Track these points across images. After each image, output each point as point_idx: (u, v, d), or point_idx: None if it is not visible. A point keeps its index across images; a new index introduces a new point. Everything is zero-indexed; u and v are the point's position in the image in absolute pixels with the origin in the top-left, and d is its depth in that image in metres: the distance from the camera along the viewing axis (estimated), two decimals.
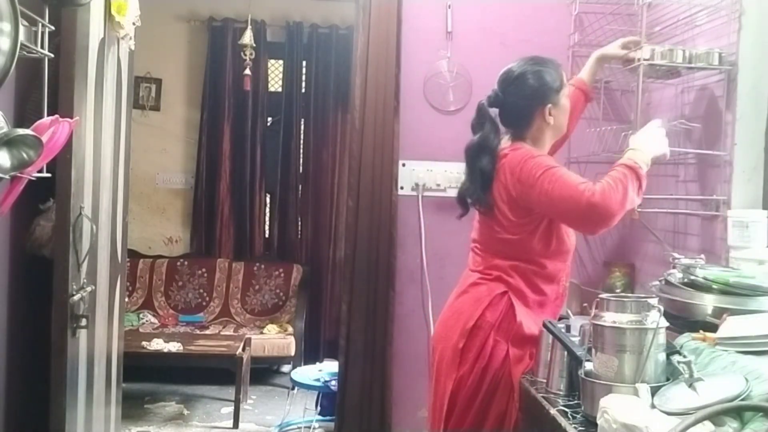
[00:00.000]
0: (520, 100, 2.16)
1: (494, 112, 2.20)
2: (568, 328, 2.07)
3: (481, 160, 2.15)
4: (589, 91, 2.59)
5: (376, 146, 3.13)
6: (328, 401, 3.89)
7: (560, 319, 2.13)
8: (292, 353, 5.05)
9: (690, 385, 1.49)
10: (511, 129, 2.21)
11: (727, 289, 1.86)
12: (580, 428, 1.62)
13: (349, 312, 3.16)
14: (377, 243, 3.14)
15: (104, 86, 2.48)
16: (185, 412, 4.56)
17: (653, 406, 1.49)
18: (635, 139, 2.16)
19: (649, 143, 2.13)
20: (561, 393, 1.87)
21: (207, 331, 5.18)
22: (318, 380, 3.95)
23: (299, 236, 5.76)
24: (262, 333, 5.14)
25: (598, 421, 1.48)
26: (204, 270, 5.57)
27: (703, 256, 2.20)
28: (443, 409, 2.16)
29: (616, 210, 1.98)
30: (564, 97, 2.20)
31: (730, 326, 1.70)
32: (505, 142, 2.20)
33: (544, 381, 1.96)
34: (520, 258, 2.15)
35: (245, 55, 5.11)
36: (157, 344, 4.55)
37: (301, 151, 5.76)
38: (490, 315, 2.13)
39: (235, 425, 4.31)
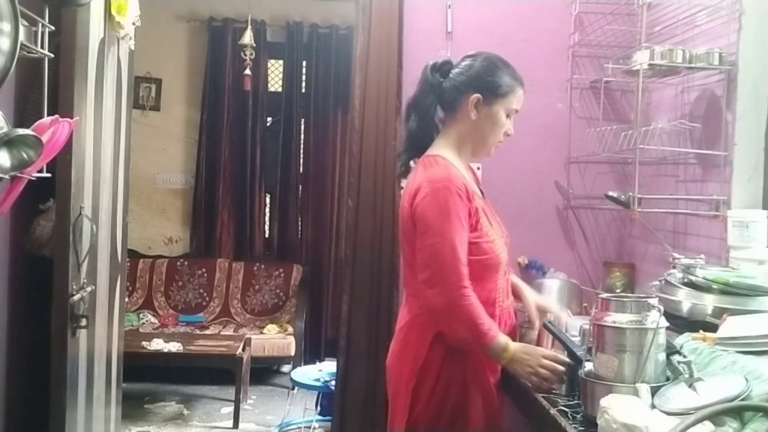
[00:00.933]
0: (458, 76, 2.00)
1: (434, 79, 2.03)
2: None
3: (411, 117, 2.03)
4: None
5: (378, 146, 3.12)
6: (328, 401, 3.89)
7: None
8: (292, 353, 5.05)
9: (690, 385, 1.49)
10: (442, 107, 2.03)
11: (727, 289, 1.86)
12: (580, 428, 1.62)
13: (350, 312, 3.15)
14: (380, 242, 3.13)
15: (104, 86, 2.48)
16: (185, 412, 4.56)
17: (653, 406, 1.49)
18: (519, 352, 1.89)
19: (526, 363, 1.88)
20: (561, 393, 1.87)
21: (207, 331, 5.18)
22: (318, 380, 3.95)
23: (299, 236, 5.76)
24: (262, 333, 5.14)
25: (598, 421, 1.48)
26: (204, 270, 5.57)
27: (702, 255, 2.20)
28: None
29: (456, 321, 1.84)
30: (501, 107, 1.98)
31: (730, 326, 1.70)
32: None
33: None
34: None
35: (245, 55, 5.12)
36: (157, 344, 4.55)
37: (301, 151, 5.77)
38: (439, 346, 1.93)
39: (235, 425, 4.31)
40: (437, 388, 1.93)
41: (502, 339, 1.87)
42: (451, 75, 2.01)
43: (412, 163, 2.08)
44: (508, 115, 2.01)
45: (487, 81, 1.97)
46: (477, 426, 1.95)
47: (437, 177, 1.89)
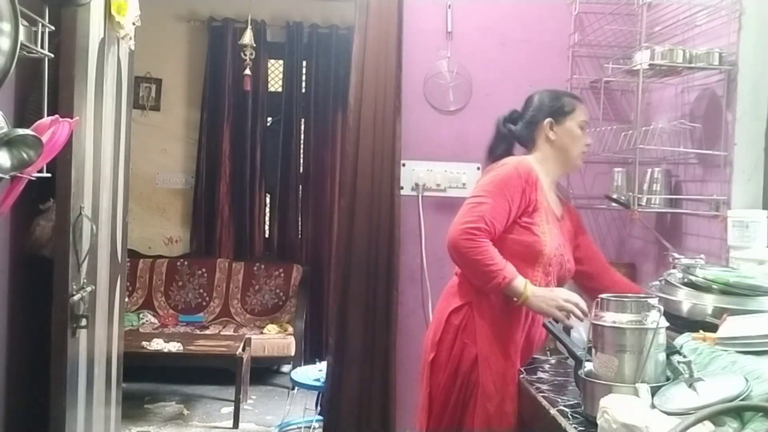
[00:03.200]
0: (526, 112, 2.35)
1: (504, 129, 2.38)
2: (568, 330, 2.08)
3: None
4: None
5: (377, 147, 3.12)
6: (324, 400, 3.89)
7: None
8: (292, 353, 5.05)
9: (690, 385, 1.49)
10: (523, 146, 2.36)
11: (727, 289, 1.86)
12: (580, 428, 1.62)
13: (342, 312, 3.15)
14: (377, 243, 3.13)
15: (104, 86, 2.48)
16: (185, 412, 4.56)
17: (653, 406, 1.49)
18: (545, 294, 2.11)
19: (544, 300, 2.08)
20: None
21: (207, 331, 5.19)
22: (318, 380, 3.94)
23: (299, 236, 5.76)
24: (262, 333, 5.14)
25: (598, 421, 1.48)
26: (204, 270, 5.57)
27: (702, 255, 2.20)
28: (425, 407, 2.22)
29: (470, 266, 2.11)
30: (572, 122, 2.29)
31: (730, 326, 1.70)
32: None
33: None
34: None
35: (245, 55, 5.12)
36: (157, 344, 4.55)
37: (301, 151, 5.77)
38: (455, 318, 2.17)
39: (235, 425, 4.31)
40: (450, 361, 2.15)
41: (520, 281, 2.06)
42: (520, 117, 2.36)
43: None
44: (581, 128, 2.31)
45: (551, 106, 2.31)
46: (486, 408, 2.08)
47: (513, 160, 2.24)
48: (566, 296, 2.09)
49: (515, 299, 2.08)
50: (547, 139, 2.29)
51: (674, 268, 2.09)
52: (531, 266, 2.16)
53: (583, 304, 2.07)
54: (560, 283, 2.24)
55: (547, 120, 2.29)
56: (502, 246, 2.11)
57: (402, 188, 3.18)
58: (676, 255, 2.19)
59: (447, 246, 2.11)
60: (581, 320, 2.05)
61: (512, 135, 2.35)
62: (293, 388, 4.43)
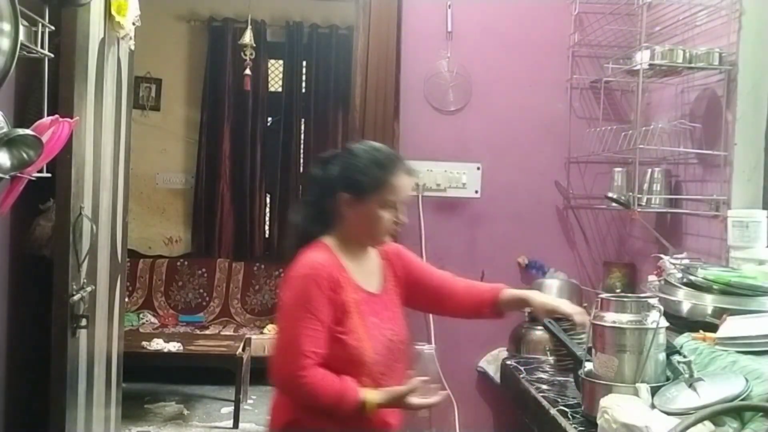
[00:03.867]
0: (329, 173, 1.86)
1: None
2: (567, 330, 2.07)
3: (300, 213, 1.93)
4: (498, 304, 1.95)
5: None
6: None
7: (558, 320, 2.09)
8: None
9: (690, 385, 1.49)
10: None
11: (727, 289, 1.86)
12: (580, 428, 1.62)
13: None
14: None
15: (104, 86, 2.48)
16: (185, 412, 4.56)
17: (653, 406, 1.49)
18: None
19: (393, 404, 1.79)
20: None
21: (207, 331, 5.18)
22: None
23: None
24: (262, 333, 5.14)
25: (598, 421, 1.48)
26: (204, 270, 5.57)
27: (685, 253, 2.19)
28: None
29: (303, 399, 1.76)
30: (373, 204, 1.80)
31: (730, 326, 1.70)
32: None
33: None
34: None
35: (245, 55, 5.11)
36: (157, 344, 4.54)
37: (301, 151, 5.77)
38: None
39: (235, 425, 4.31)
40: None
41: (361, 398, 1.72)
42: (326, 170, 1.87)
43: None
44: (390, 206, 1.82)
45: (352, 179, 1.81)
46: None
47: (304, 263, 1.80)
48: (411, 401, 1.77)
49: (367, 414, 1.74)
50: (343, 217, 1.84)
51: (660, 269, 2.10)
52: (356, 377, 1.76)
53: (426, 402, 1.79)
54: (396, 362, 1.86)
55: (344, 195, 1.81)
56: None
57: None
58: (661, 255, 2.20)
59: (278, 386, 1.81)
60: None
61: (322, 184, 1.88)
62: None
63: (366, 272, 1.88)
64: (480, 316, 2.02)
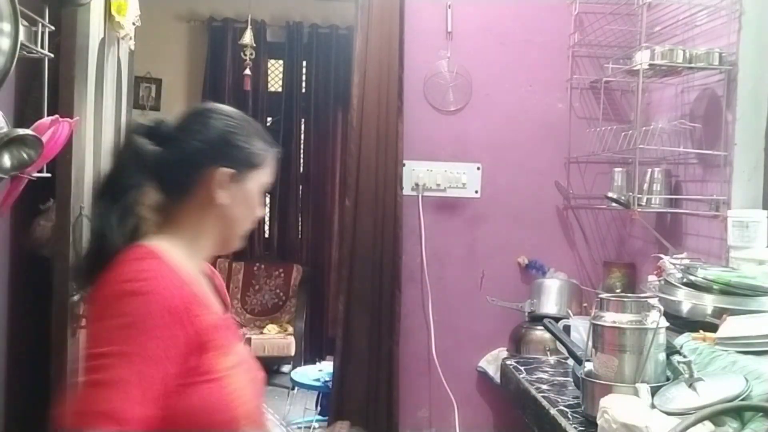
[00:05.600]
0: (188, 141, 1.27)
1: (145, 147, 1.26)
2: (567, 329, 2.08)
3: (100, 205, 1.26)
4: None
5: (380, 147, 3.12)
6: (328, 401, 3.89)
7: (558, 320, 2.12)
8: (292, 353, 5.05)
9: (690, 385, 1.49)
10: (162, 191, 1.28)
11: (727, 289, 1.86)
12: (580, 428, 1.62)
13: (348, 312, 3.15)
14: (381, 243, 3.13)
15: (104, 86, 2.48)
16: None
17: (653, 406, 1.49)
18: None
19: None
20: None
21: None
22: (318, 380, 3.95)
23: (299, 236, 5.76)
24: (262, 333, 5.14)
25: (598, 421, 1.48)
26: None
27: (685, 253, 2.20)
28: None
29: None
30: (255, 183, 1.32)
31: (730, 326, 1.70)
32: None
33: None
34: None
35: (245, 55, 5.11)
36: None
37: (302, 151, 5.77)
38: None
39: None
40: None
41: None
42: (175, 141, 1.27)
43: None
44: (264, 192, 1.36)
45: (235, 148, 1.29)
46: None
47: (137, 275, 1.15)
48: None
49: None
50: (212, 200, 1.27)
51: (660, 269, 2.11)
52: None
53: None
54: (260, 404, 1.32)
55: (222, 170, 1.26)
56: None
57: (402, 188, 3.18)
58: (661, 256, 2.20)
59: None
60: None
61: (152, 166, 1.25)
62: (293, 388, 4.42)
63: (208, 290, 1.32)
64: None
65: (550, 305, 2.91)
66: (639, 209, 2.65)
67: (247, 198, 1.32)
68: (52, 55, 1.85)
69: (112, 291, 1.15)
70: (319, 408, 4.04)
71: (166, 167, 1.26)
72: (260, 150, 1.33)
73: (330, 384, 3.81)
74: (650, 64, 2.50)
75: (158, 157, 1.26)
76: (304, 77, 5.74)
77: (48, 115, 1.78)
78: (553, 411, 1.75)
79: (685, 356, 1.60)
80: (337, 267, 3.36)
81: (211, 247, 1.33)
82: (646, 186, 2.73)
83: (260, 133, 1.35)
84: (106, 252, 1.21)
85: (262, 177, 1.34)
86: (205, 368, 1.17)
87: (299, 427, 4.13)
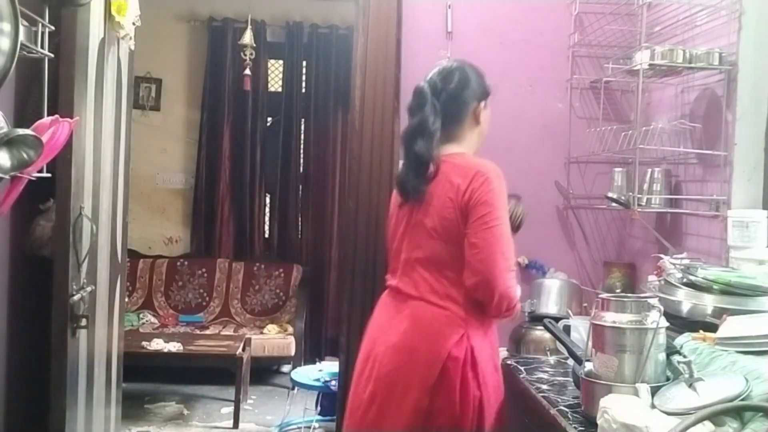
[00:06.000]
0: (459, 90, 2.02)
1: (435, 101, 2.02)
2: (567, 329, 2.08)
3: (417, 144, 1.97)
4: None
5: (375, 147, 3.12)
6: (328, 401, 3.89)
7: (558, 320, 2.12)
8: (292, 353, 5.05)
9: (690, 385, 1.49)
10: (443, 124, 2.00)
11: (727, 289, 1.86)
12: (580, 428, 1.62)
13: (351, 311, 3.15)
14: (375, 243, 3.13)
15: (104, 86, 2.48)
16: (185, 412, 4.56)
17: (653, 406, 1.49)
18: None
19: None
20: None
21: (207, 331, 5.18)
22: (318, 380, 3.95)
23: (299, 236, 5.76)
24: (262, 333, 5.14)
25: (598, 421, 1.48)
26: (204, 270, 5.57)
27: (685, 253, 2.19)
28: None
29: (501, 305, 1.87)
30: (489, 105, 2.11)
31: (730, 326, 1.70)
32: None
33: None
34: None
35: (245, 55, 5.12)
36: (157, 344, 4.55)
37: (301, 151, 5.77)
38: (458, 352, 1.87)
39: (235, 425, 4.31)
40: (451, 403, 1.85)
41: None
42: (448, 90, 2.02)
43: None
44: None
45: (482, 86, 2.08)
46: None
47: (486, 165, 1.96)
48: None
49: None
50: (476, 125, 2.06)
51: (660, 269, 2.11)
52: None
53: None
54: None
55: (480, 104, 2.06)
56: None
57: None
58: (661, 256, 2.20)
59: (490, 290, 1.84)
60: None
61: (441, 111, 2.00)
62: (293, 388, 4.42)
63: None
64: None
65: (550, 305, 2.90)
66: (639, 209, 2.65)
67: (488, 118, 2.12)
68: (52, 55, 1.85)
69: (491, 174, 1.93)
70: (319, 408, 4.04)
71: (446, 108, 2.01)
72: (488, 85, 2.11)
73: (330, 384, 3.81)
74: (650, 64, 2.50)
75: (442, 103, 2.01)
76: (304, 77, 5.74)
77: (48, 115, 1.78)
78: (553, 411, 1.75)
79: (685, 356, 1.60)
80: (339, 266, 3.35)
81: (474, 150, 2.09)
82: (646, 186, 2.73)
83: (481, 71, 2.11)
84: (426, 163, 1.97)
85: (490, 100, 2.11)
86: None
87: (299, 427, 4.14)
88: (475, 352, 1.88)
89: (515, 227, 2.18)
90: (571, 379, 1.98)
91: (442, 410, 1.85)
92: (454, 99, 2.02)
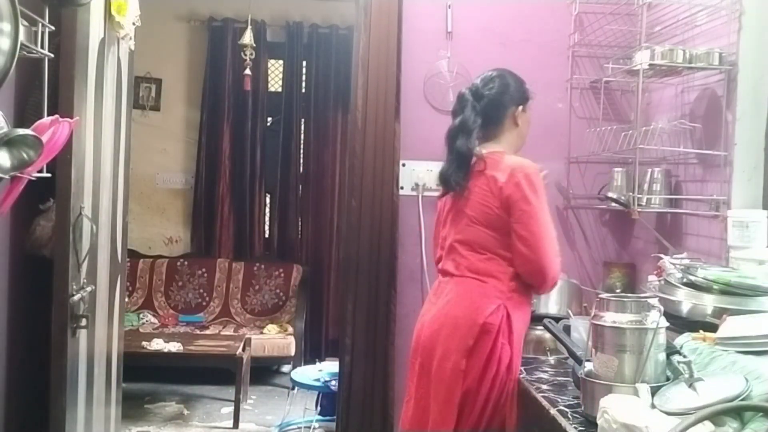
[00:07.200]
0: (499, 95, 2.29)
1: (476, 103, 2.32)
2: (568, 329, 2.07)
3: (458, 141, 2.26)
4: None
5: (377, 146, 3.12)
6: (328, 401, 3.89)
7: (558, 320, 2.12)
8: (292, 353, 5.05)
9: (690, 385, 1.49)
10: (483, 126, 2.28)
11: (727, 289, 1.86)
12: (580, 428, 1.62)
13: (354, 311, 3.15)
14: (378, 243, 3.13)
15: (104, 86, 2.48)
16: (185, 412, 4.56)
17: (653, 406, 1.49)
18: None
19: None
20: None
21: (207, 331, 5.18)
22: (318, 380, 3.95)
23: (299, 236, 5.76)
24: (262, 333, 5.14)
25: (598, 421, 1.48)
26: (204, 270, 5.57)
27: (685, 253, 2.20)
28: (452, 418, 2.14)
29: (549, 285, 2.24)
30: (529, 110, 2.36)
31: (730, 326, 1.70)
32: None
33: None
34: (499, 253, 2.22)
35: (245, 55, 5.11)
36: (157, 344, 4.55)
37: (301, 151, 5.77)
38: (494, 320, 2.14)
39: (235, 425, 4.31)
40: (489, 365, 2.13)
41: None
42: (488, 95, 2.29)
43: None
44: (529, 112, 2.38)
45: (521, 91, 2.33)
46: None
47: (524, 162, 2.21)
48: None
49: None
50: (514, 126, 2.32)
51: (660, 269, 2.11)
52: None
53: None
54: None
55: (518, 108, 2.31)
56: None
57: (402, 188, 3.18)
58: (661, 255, 2.20)
59: (542, 274, 2.16)
60: None
61: (481, 113, 2.29)
62: (293, 388, 4.43)
63: None
64: None
65: (550, 305, 2.90)
66: (639, 209, 2.65)
67: (528, 121, 2.35)
68: (52, 55, 1.85)
69: (531, 170, 2.18)
70: (319, 408, 4.04)
71: (486, 111, 2.28)
72: (528, 90, 2.35)
73: (330, 384, 3.82)
74: (650, 64, 2.50)
75: (483, 107, 2.28)
76: (304, 77, 5.74)
77: (48, 115, 1.78)
78: (553, 411, 1.75)
79: (685, 356, 1.60)
80: (341, 266, 3.35)
81: (514, 150, 2.32)
82: (646, 186, 2.73)
83: (521, 79, 2.35)
84: (467, 159, 2.24)
85: (530, 105, 2.35)
86: None
87: (299, 427, 4.14)
88: (511, 321, 2.16)
89: None
90: (571, 379, 1.98)
91: (476, 371, 2.12)
92: (493, 103, 2.28)
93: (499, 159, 2.23)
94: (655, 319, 1.59)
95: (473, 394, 2.13)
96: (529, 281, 2.20)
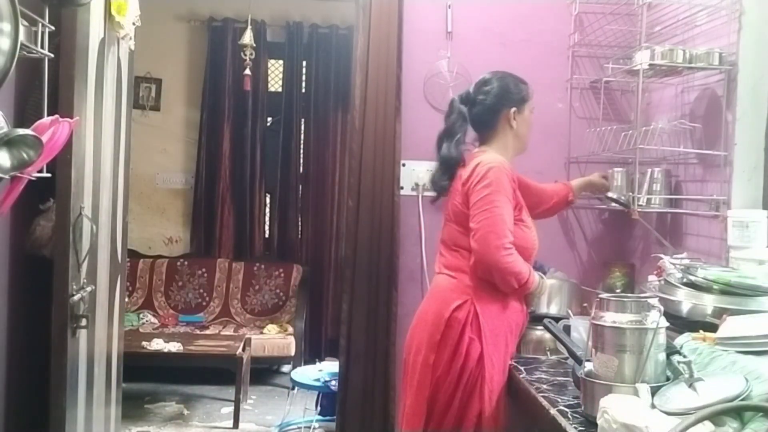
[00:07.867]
0: (490, 98, 2.34)
1: (464, 109, 2.40)
2: (568, 329, 2.08)
3: (443, 146, 2.35)
4: (573, 197, 2.78)
5: (377, 147, 3.12)
6: (328, 401, 3.89)
7: (558, 320, 2.12)
8: (292, 353, 5.05)
9: (690, 385, 1.49)
10: (477, 130, 2.40)
11: (727, 289, 1.86)
12: (580, 428, 1.62)
13: (350, 311, 3.15)
14: (378, 243, 3.13)
15: (104, 86, 2.48)
16: (185, 412, 4.56)
17: (653, 406, 1.49)
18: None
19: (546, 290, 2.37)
20: None
21: (207, 331, 5.19)
22: (318, 380, 3.95)
23: (299, 236, 5.76)
24: (262, 333, 5.14)
25: (598, 421, 1.48)
26: (204, 270, 5.57)
27: (685, 253, 2.20)
28: (421, 411, 2.20)
29: (507, 280, 2.18)
30: (528, 110, 2.38)
31: (730, 326, 1.70)
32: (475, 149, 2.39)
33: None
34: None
35: (245, 55, 5.12)
36: (157, 344, 4.55)
37: (301, 151, 5.77)
38: (459, 314, 2.20)
39: (235, 425, 4.31)
40: (455, 359, 2.16)
41: (536, 278, 2.27)
42: (480, 99, 2.35)
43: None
44: (531, 112, 2.41)
45: (509, 93, 2.34)
46: (491, 402, 2.15)
47: (490, 159, 2.23)
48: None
49: (537, 296, 2.31)
50: (509, 128, 2.35)
51: (660, 269, 2.11)
52: (528, 261, 2.28)
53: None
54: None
55: (511, 110, 2.34)
56: None
57: (402, 188, 3.18)
58: (661, 255, 2.21)
59: (487, 266, 2.16)
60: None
61: (469, 117, 2.37)
62: (293, 388, 4.43)
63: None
64: (556, 211, 2.80)
65: (550, 305, 2.90)
66: (639, 209, 2.65)
67: (525, 121, 2.36)
68: (52, 55, 1.85)
69: (485, 166, 2.18)
70: (319, 408, 4.04)
71: (479, 116, 2.35)
72: (524, 90, 2.36)
73: (330, 384, 3.82)
74: (650, 64, 2.50)
75: (473, 113, 2.36)
76: (304, 77, 5.75)
77: (48, 115, 1.78)
78: (553, 411, 1.75)
79: (685, 356, 1.60)
80: (340, 267, 3.35)
81: (514, 155, 2.38)
82: (646, 186, 2.73)
83: (518, 79, 2.37)
84: (451, 164, 2.31)
85: (530, 104, 2.37)
86: (519, 218, 2.24)
87: (299, 427, 4.14)
88: (480, 318, 2.18)
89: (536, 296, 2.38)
90: (571, 379, 1.98)
91: (443, 364, 2.17)
92: (484, 106, 2.34)
93: (474, 157, 2.30)
94: (655, 319, 1.59)
95: (441, 388, 2.18)
96: (482, 276, 2.20)
